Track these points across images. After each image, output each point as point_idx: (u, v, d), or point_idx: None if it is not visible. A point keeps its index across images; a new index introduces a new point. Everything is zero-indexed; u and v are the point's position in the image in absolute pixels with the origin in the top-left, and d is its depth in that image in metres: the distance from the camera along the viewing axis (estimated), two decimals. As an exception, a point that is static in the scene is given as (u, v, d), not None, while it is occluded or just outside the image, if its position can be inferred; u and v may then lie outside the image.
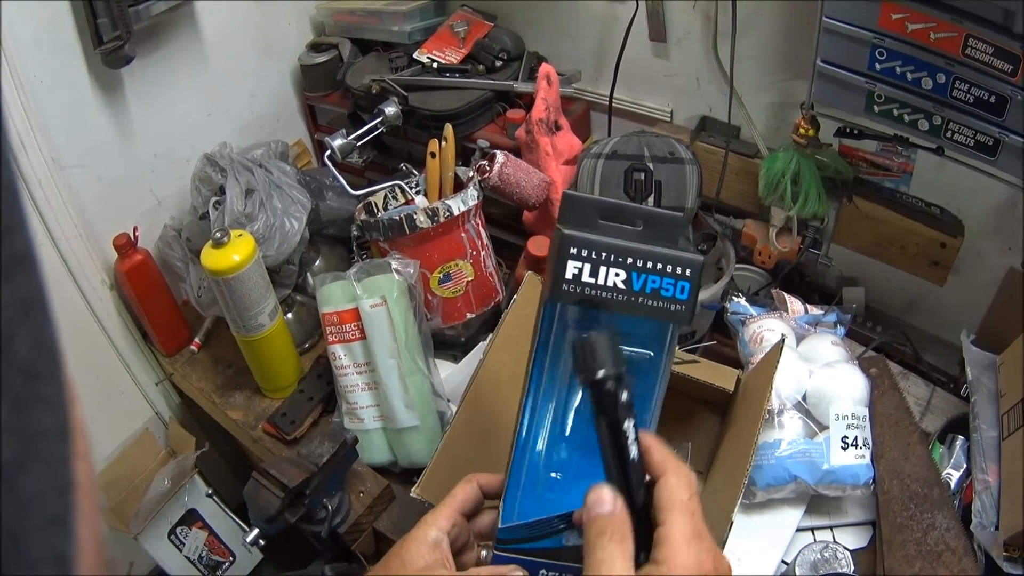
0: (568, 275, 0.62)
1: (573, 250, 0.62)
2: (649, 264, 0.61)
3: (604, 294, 0.61)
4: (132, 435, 1.60)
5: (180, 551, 1.55)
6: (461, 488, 0.69)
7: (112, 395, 1.55)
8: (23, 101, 1.22)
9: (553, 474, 0.66)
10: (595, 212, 0.64)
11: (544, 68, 1.40)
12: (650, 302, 0.61)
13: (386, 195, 1.42)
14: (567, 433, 0.67)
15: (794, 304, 1.27)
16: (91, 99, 1.36)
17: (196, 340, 1.54)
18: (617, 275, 0.61)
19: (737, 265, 1.38)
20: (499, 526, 0.65)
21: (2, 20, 1.15)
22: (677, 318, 0.61)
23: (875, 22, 1.03)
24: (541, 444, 0.67)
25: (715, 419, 1.13)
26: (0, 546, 0.21)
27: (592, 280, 0.61)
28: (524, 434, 0.67)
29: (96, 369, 1.50)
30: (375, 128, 1.46)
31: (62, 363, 0.25)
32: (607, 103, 1.51)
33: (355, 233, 1.38)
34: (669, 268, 0.61)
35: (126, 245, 1.39)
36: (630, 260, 0.61)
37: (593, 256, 0.62)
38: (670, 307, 0.60)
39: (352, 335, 1.23)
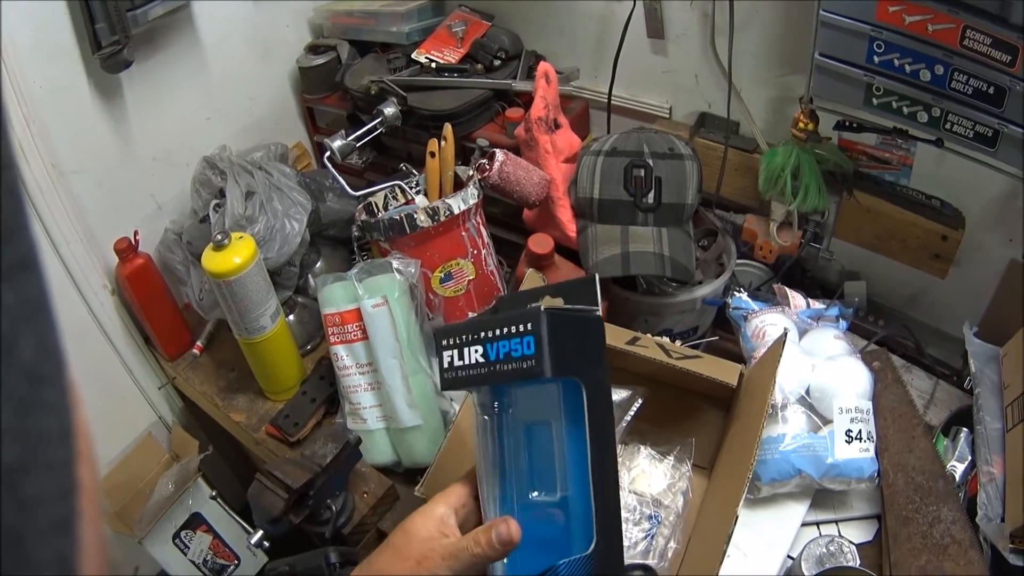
0: (444, 365, 0.66)
1: (444, 341, 0.66)
2: (498, 331, 0.63)
3: (471, 372, 0.64)
4: (135, 439, 1.61)
5: (185, 555, 1.54)
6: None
7: (115, 400, 1.55)
8: (22, 107, 1.23)
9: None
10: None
11: (542, 66, 1.40)
12: (504, 367, 0.62)
13: (386, 195, 1.42)
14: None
15: (796, 299, 1.27)
16: (90, 104, 1.36)
17: (198, 343, 1.54)
18: (476, 351, 0.63)
19: (738, 260, 1.38)
20: None
21: (1, 25, 1.15)
22: (531, 373, 0.61)
23: (873, 15, 1.03)
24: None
25: (718, 414, 1.13)
26: (3, 549, 0.21)
27: (461, 363, 0.64)
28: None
29: (98, 374, 1.50)
30: (374, 129, 1.46)
31: (65, 367, 0.25)
32: (606, 100, 1.51)
33: (356, 234, 1.38)
34: (514, 329, 0.62)
35: (127, 249, 1.39)
36: (483, 334, 0.63)
37: (457, 341, 0.65)
38: (522, 365, 0.61)
39: (354, 336, 1.23)
